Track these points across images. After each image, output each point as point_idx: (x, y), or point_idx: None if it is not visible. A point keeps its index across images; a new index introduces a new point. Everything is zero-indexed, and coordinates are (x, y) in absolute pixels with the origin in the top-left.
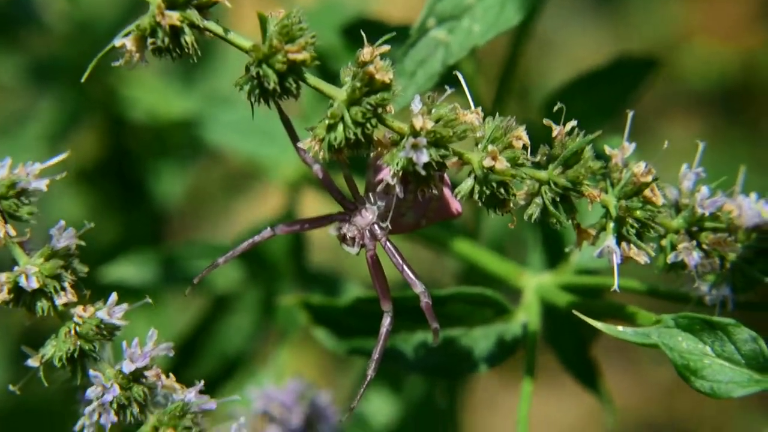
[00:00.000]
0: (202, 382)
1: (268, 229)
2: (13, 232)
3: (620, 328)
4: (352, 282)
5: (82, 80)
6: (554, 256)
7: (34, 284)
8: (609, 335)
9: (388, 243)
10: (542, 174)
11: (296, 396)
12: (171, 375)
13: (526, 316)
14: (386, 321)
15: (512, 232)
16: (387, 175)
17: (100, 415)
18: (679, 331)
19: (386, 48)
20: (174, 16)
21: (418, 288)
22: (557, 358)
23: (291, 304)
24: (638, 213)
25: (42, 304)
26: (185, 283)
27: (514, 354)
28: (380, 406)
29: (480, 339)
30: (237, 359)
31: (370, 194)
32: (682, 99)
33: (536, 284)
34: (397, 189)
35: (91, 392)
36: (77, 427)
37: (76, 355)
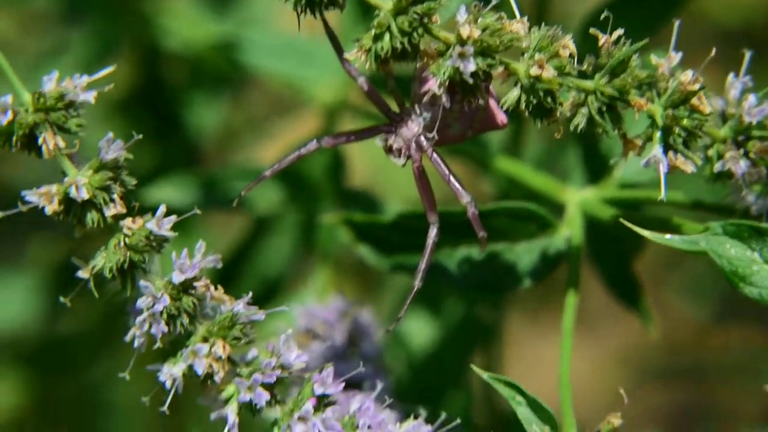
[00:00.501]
0: (251, 293)
1: (314, 141)
2: (62, 144)
3: (667, 236)
4: (391, 203)
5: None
6: (596, 172)
7: (85, 195)
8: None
9: (434, 154)
10: (588, 83)
11: (339, 313)
12: (219, 287)
13: (570, 230)
14: (432, 232)
15: (551, 154)
16: (433, 85)
17: (150, 325)
18: (727, 238)
19: None
20: None
21: (465, 198)
22: (599, 275)
23: (333, 222)
24: (685, 122)
25: (92, 216)
26: (225, 205)
27: (557, 268)
28: (419, 329)
29: (523, 253)
30: (277, 282)
31: (416, 106)
32: (707, 37)
33: (579, 199)
34: (444, 99)
35: (141, 302)
36: (128, 337)
37: (126, 266)
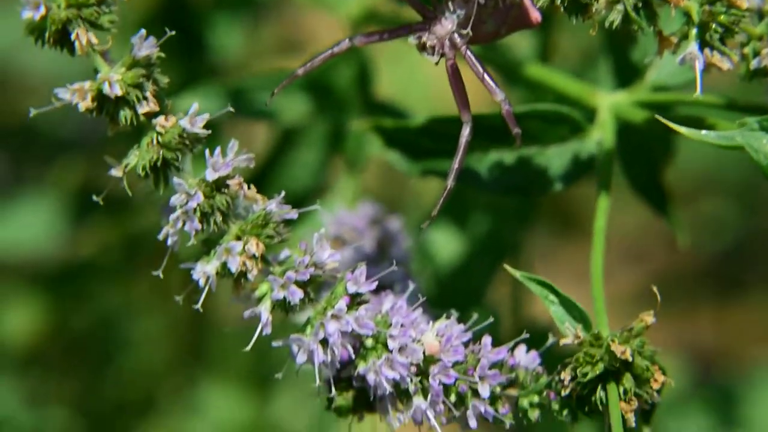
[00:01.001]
0: (283, 192)
1: (347, 40)
2: (95, 40)
3: (703, 132)
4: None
5: None
6: (627, 77)
7: (118, 91)
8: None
9: (468, 51)
10: None
11: (368, 220)
12: (252, 186)
13: (601, 133)
14: (465, 131)
15: (581, 66)
16: None
17: (184, 223)
18: (763, 134)
19: None
20: None
21: (499, 96)
22: (629, 182)
23: (363, 129)
24: (722, 18)
25: (125, 113)
26: (253, 114)
27: (588, 172)
28: (445, 243)
29: (554, 157)
30: (305, 193)
31: (450, 3)
32: None
33: (611, 102)
34: None
35: (174, 200)
36: (161, 235)
37: (159, 164)
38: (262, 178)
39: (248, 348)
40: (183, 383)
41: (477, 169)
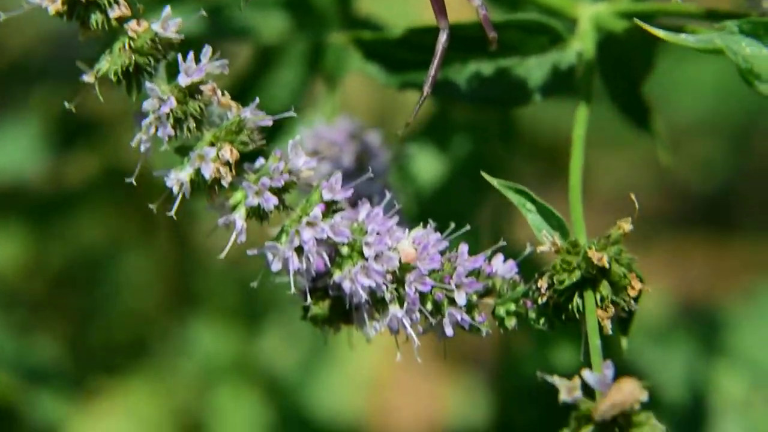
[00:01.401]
0: (257, 99)
1: None
2: None
3: (682, 35)
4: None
5: None
6: None
7: None
8: None
9: None
10: None
11: (346, 135)
12: (226, 93)
13: (582, 44)
14: (442, 38)
15: None
16: None
17: (156, 129)
18: (742, 37)
19: None
20: None
21: (475, 0)
22: (609, 96)
23: (342, 42)
24: None
25: (96, 17)
26: (231, 32)
27: (568, 84)
28: (426, 164)
29: (534, 68)
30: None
31: None
32: None
33: (592, 12)
34: None
35: (147, 104)
36: (134, 141)
37: (131, 69)
38: (242, 98)
39: (222, 256)
40: (171, 323)
41: (456, 81)
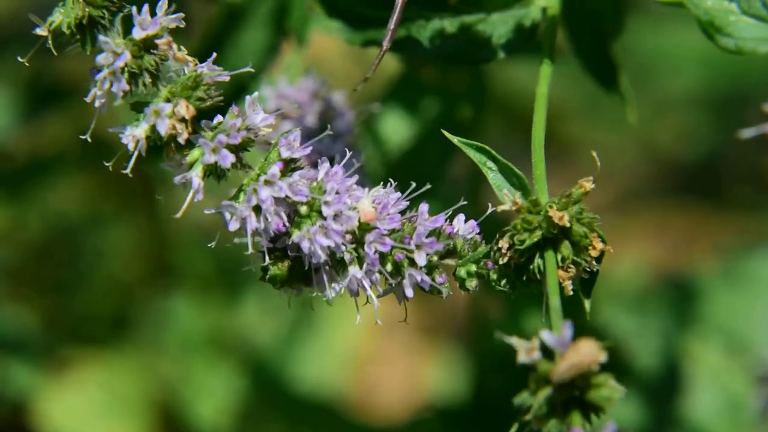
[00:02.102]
0: (215, 54)
1: None
2: None
3: None
4: None
5: None
6: None
7: None
8: None
9: None
10: None
11: (310, 94)
12: (183, 48)
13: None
14: None
15: None
16: None
17: (111, 84)
18: None
19: None
20: None
21: None
22: (575, 54)
23: None
24: None
25: None
26: None
27: (532, 40)
28: (396, 128)
29: (498, 23)
30: (250, 75)
31: None
32: None
33: None
34: None
35: (101, 59)
36: (88, 97)
37: (85, 22)
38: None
39: (179, 215)
40: (150, 294)
41: (419, 37)
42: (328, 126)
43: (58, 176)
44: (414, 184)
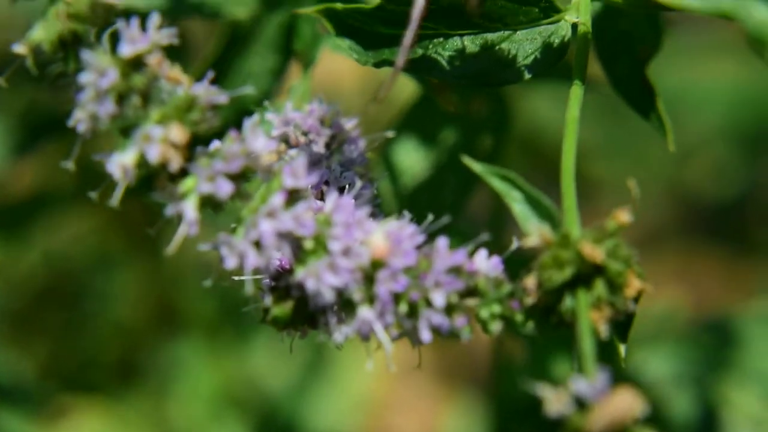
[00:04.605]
0: (212, 72)
1: None
2: None
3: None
4: None
5: None
6: None
7: None
8: None
9: None
10: None
11: (318, 119)
12: (176, 65)
13: (576, 15)
14: (419, 2)
15: None
16: None
17: (96, 106)
18: (753, 0)
19: None
20: None
21: None
22: (609, 78)
23: (311, 13)
24: None
25: None
26: (198, 11)
27: (561, 59)
28: (412, 157)
29: (524, 42)
30: (252, 103)
31: None
32: None
33: None
34: None
35: (85, 78)
36: (71, 121)
37: (67, 38)
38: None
39: (170, 250)
40: (155, 340)
41: (437, 57)
42: (337, 154)
43: (59, 213)
44: (431, 217)
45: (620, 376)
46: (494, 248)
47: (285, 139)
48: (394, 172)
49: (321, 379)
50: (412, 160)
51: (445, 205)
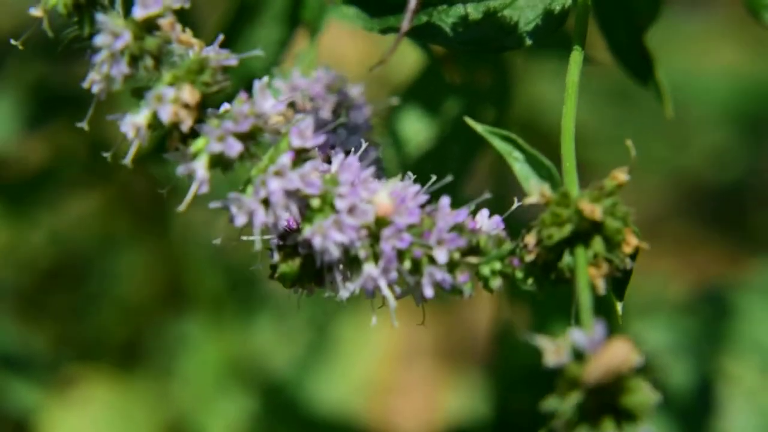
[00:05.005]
0: (222, 36)
1: None
2: None
3: None
4: None
5: None
6: None
7: None
8: None
9: None
10: None
11: (325, 86)
12: (187, 29)
13: None
14: None
15: None
16: None
17: (110, 67)
18: None
19: None
20: None
21: None
22: (608, 45)
23: None
24: None
25: None
26: None
27: (561, 26)
28: (417, 129)
29: (525, 9)
30: (264, 67)
31: None
32: None
33: None
34: None
35: (99, 40)
36: (86, 83)
37: (82, 1)
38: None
39: (182, 208)
40: (162, 317)
41: (441, 24)
42: (343, 118)
43: (66, 191)
44: (434, 178)
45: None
46: (496, 210)
47: (292, 105)
48: (399, 139)
49: (324, 358)
50: (417, 129)
51: (449, 169)
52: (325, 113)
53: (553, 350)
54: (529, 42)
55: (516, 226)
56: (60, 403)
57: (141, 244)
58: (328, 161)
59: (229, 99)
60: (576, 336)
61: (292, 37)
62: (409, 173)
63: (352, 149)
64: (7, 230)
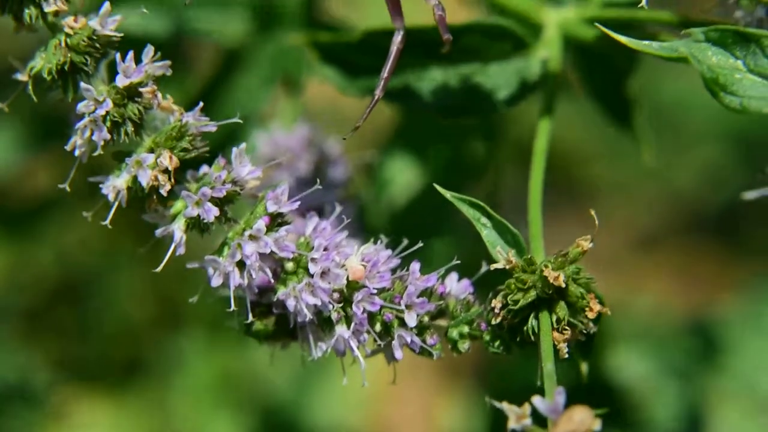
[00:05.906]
0: (201, 104)
1: None
2: None
3: (645, 42)
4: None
5: None
6: None
7: None
8: None
9: None
10: None
11: (304, 142)
12: (168, 96)
13: (548, 51)
14: (397, 38)
15: None
16: None
17: (92, 132)
18: (709, 45)
19: None
20: None
21: (432, 0)
22: (589, 92)
23: (299, 43)
24: None
25: (30, 12)
26: (191, 35)
27: (534, 92)
28: (401, 173)
29: (497, 75)
30: (246, 119)
31: None
32: None
33: (559, 19)
34: None
35: (81, 107)
36: (68, 146)
37: (66, 68)
38: (205, 102)
39: (159, 269)
40: (159, 337)
41: (416, 88)
42: (318, 180)
43: (69, 214)
44: (406, 242)
45: (599, 377)
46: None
47: (271, 159)
48: (384, 183)
49: (321, 373)
50: (403, 171)
51: (436, 215)
52: (303, 167)
53: (516, 415)
54: (502, 107)
55: (486, 288)
56: (59, 425)
57: (140, 264)
58: (304, 215)
59: (208, 158)
60: (538, 403)
61: (275, 88)
62: (382, 237)
63: (327, 208)
64: (12, 253)
